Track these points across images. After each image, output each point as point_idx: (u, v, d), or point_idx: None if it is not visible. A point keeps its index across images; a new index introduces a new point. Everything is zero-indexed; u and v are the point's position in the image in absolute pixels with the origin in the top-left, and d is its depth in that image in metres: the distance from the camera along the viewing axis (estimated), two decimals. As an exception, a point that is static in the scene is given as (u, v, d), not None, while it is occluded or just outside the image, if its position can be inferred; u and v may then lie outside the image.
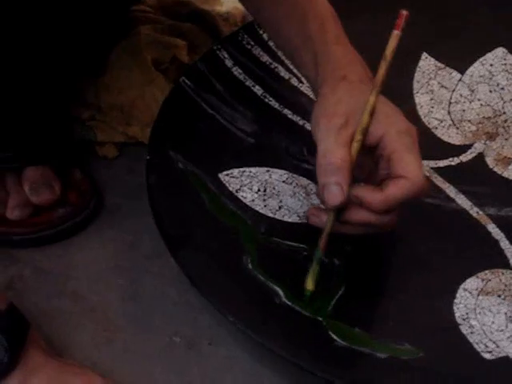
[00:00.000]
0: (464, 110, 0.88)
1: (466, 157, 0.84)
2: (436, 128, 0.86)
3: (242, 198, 0.77)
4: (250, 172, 0.80)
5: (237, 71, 0.88)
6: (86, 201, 0.88)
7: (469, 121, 0.87)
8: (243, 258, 0.72)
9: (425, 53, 0.91)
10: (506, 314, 0.69)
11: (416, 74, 0.90)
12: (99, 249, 0.85)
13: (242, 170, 0.80)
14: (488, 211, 0.78)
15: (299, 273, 0.71)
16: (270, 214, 0.77)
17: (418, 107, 0.88)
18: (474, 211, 0.78)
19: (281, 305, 0.69)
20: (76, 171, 0.90)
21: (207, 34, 1.02)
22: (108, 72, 0.95)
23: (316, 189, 0.67)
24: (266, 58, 0.90)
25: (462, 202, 0.79)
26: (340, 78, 0.68)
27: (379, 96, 0.66)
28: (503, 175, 0.82)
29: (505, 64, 0.90)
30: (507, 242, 0.75)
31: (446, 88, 0.89)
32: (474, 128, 0.86)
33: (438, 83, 0.90)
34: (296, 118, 0.85)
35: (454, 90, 0.89)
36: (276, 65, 0.89)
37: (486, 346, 0.67)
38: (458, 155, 0.84)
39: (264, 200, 0.78)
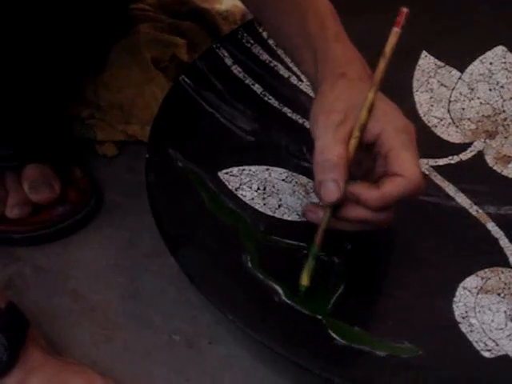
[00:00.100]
0: (464, 109, 0.88)
1: (465, 155, 0.84)
2: (436, 126, 0.86)
3: (241, 197, 0.77)
4: (250, 170, 0.80)
5: (236, 69, 0.88)
6: (85, 199, 0.88)
7: (468, 119, 0.87)
8: (243, 257, 0.72)
9: (424, 51, 0.91)
10: (505, 312, 0.69)
11: (416, 73, 0.90)
12: (99, 247, 0.85)
13: (241, 168, 0.80)
14: (487, 209, 0.78)
15: (299, 271, 0.71)
16: (270, 213, 0.77)
17: (418, 105, 0.88)
18: (474, 209, 0.78)
19: (280, 303, 0.69)
20: (76, 169, 0.90)
21: (207, 32, 1.02)
22: (107, 70, 0.95)
23: (313, 185, 0.67)
24: (265, 57, 0.90)
25: (462, 200, 0.79)
26: (339, 76, 0.68)
27: (378, 93, 0.66)
28: (503, 173, 0.82)
29: (504, 62, 0.90)
30: (506, 241, 0.75)
31: (445, 86, 0.89)
32: (473, 126, 0.86)
33: (438, 81, 0.90)
34: (296, 117, 0.85)
35: (453, 89, 0.89)
36: (275, 63, 0.89)
37: (486, 345, 0.67)
38: (457, 153, 0.84)
39: (263, 198, 0.78)
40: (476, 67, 0.90)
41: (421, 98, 0.88)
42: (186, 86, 0.85)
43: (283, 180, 0.80)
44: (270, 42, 0.90)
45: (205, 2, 1.06)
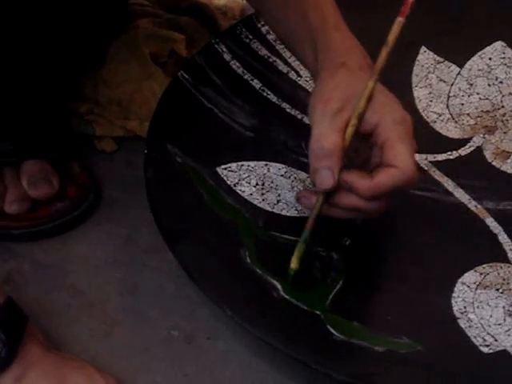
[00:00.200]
0: (463, 104, 0.87)
1: (464, 151, 0.84)
2: (434, 122, 0.86)
3: (240, 192, 0.77)
4: (249, 166, 0.80)
5: (235, 65, 0.88)
6: (84, 195, 0.88)
7: (467, 114, 0.87)
8: (241, 252, 0.72)
9: (423, 46, 0.91)
10: (504, 307, 0.69)
11: (415, 68, 0.90)
12: (97, 243, 0.85)
13: (240, 163, 0.80)
14: (486, 205, 0.78)
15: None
16: (268, 208, 0.77)
17: (417, 101, 0.88)
18: (473, 205, 0.78)
19: (279, 299, 0.69)
20: (74, 165, 0.90)
21: (205, 27, 1.02)
22: (106, 66, 0.94)
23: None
24: (264, 52, 0.90)
25: (461, 195, 0.79)
26: (339, 65, 0.68)
27: (378, 84, 0.66)
28: (502, 169, 0.82)
29: (503, 58, 0.90)
30: (505, 236, 0.75)
31: (444, 82, 0.89)
32: (472, 122, 0.86)
33: (437, 77, 0.89)
34: (294, 112, 0.85)
35: (452, 84, 0.89)
36: (274, 58, 0.89)
37: (484, 340, 0.67)
38: (456, 149, 0.84)
39: (262, 194, 0.78)
40: (475, 62, 0.90)
41: (420, 94, 0.88)
42: (185, 82, 0.85)
43: (282, 175, 0.79)
44: (269, 37, 0.90)
45: (204, -3, 1.06)
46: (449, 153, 0.83)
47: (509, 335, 0.67)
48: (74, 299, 0.80)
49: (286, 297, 0.69)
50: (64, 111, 0.94)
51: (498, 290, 0.71)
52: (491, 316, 0.69)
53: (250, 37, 0.90)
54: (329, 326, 0.67)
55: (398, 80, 0.86)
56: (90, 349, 0.75)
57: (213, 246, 0.72)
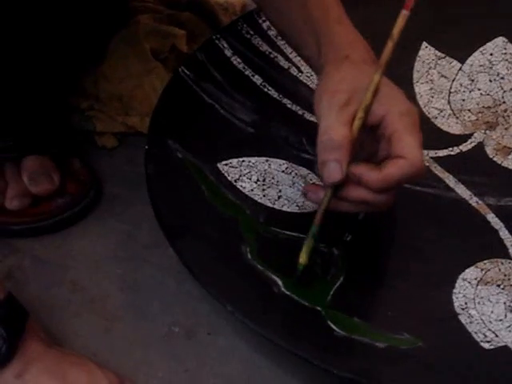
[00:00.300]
0: (464, 100, 0.87)
1: (465, 146, 0.84)
2: (436, 117, 0.86)
3: (240, 188, 0.77)
4: (249, 162, 0.80)
5: (236, 61, 0.88)
6: (85, 191, 0.87)
7: (469, 110, 0.86)
8: (242, 248, 0.72)
9: (425, 42, 0.91)
10: (505, 303, 0.69)
11: (416, 64, 0.90)
12: (98, 239, 0.85)
13: (241, 159, 0.80)
14: (487, 201, 0.78)
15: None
16: (269, 204, 0.76)
17: (418, 97, 0.88)
18: (474, 201, 0.78)
19: (280, 294, 0.69)
20: (75, 161, 0.90)
21: (206, 23, 1.02)
22: (107, 61, 0.94)
23: (316, 165, 0.67)
24: (265, 48, 0.90)
25: (462, 191, 0.79)
26: (343, 58, 0.67)
27: (383, 77, 0.66)
28: (503, 165, 0.82)
29: (505, 53, 0.90)
30: (506, 232, 0.75)
31: (445, 77, 0.89)
32: (473, 117, 0.86)
33: (438, 73, 0.89)
34: (295, 108, 0.85)
35: (453, 80, 0.89)
36: (275, 54, 0.89)
37: (485, 336, 0.67)
38: (457, 145, 0.84)
39: (263, 190, 0.77)
40: (476, 58, 0.90)
41: (421, 89, 0.88)
42: (186, 78, 0.85)
43: (283, 171, 0.79)
44: (270, 33, 0.90)
45: (204, -8, 1.05)
46: (450, 149, 0.83)
47: (510, 331, 0.67)
48: (75, 295, 0.80)
49: (287, 293, 0.69)
50: (65, 107, 0.94)
51: (499, 285, 0.71)
52: (492, 312, 0.68)
53: (251, 32, 0.90)
54: (330, 322, 0.67)
55: (399, 75, 0.84)
56: (90, 344, 0.75)
57: (213, 242, 0.72)
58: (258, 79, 0.87)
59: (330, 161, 0.65)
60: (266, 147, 0.81)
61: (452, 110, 0.86)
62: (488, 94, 0.87)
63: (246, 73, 0.87)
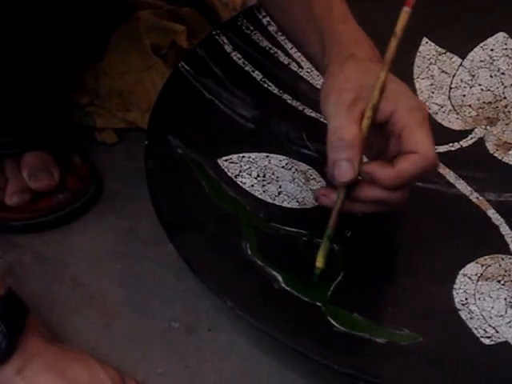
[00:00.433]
0: (464, 95, 0.87)
1: (466, 142, 0.83)
2: (436, 113, 0.86)
3: (241, 184, 0.77)
4: (250, 157, 0.80)
5: (236, 56, 0.88)
6: (85, 186, 0.87)
7: (469, 106, 0.86)
8: (242, 244, 0.72)
9: (425, 38, 0.91)
10: (505, 299, 0.69)
11: (416, 59, 0.90)
12: (98, 235, 0.85)
13: (241, 155, 0.79)
14: (488, 197, 0.78)
15: (298, 258, 0.71)
16: (269, 200, 0.76)
17: (419, 92, 0.88)
18: (474, 197, 0.78)
19: (280, 290, 0.69)
20: (75, 157, 0.90)
21: (206, 19, 1.02)
22: (107, 57, 0.94)
23: (326, 165, 0.66)
24: (265, 43, 0.89)
25: (462, 187, 0.79)
26: (348, 56, 0.67)
27: (388, 74, 0.66)
28: (503, 160, 0.82)
29: (505, 49, 0.90)
30: (507, 228, 0.75)
31: (446, 73, 0.89)
32: (474, 113, 0.86)
33: (439, 68, 0.89)
34: (296, 104, 0.85)
35: (454, 75, 0.89)
36: (275, 50, 0.89)
37: (486, 332, 0.66)
38: (458, 140, 0.83)
39: (263, 185, 0.77)
40: (477, 54, 0.90)
41: (421, 85, 0.88)
42: (186, 73, 0.85)
43: (283, 167, 0.79)
44: (270, 28, 0.90)
45: (205, -12, 1.05)
46: (450, 144, 0.83)
47: (510, 327, 0.67)
48: (75, 291, 0.80)
49: (287, 288, 0.69)
50: (65, 103, 0.94)
51: (499, 281, 0.71)
52: (492, 308, 0.68)
53: (251, 28, 0.90)
54: (330, 318, 0.67)
55: (399, 71, 0.84)
56: (90, 340, 0.75)
57: (213, 238, 0.72)
58: (258, 75, 0.87)
59: (342, 160, 0.64)
60: (266, 143, 0.81)
61: (452, 106, 0.86)
62: (489, 90, 0.87)
63: (246, 68, 0.87)
